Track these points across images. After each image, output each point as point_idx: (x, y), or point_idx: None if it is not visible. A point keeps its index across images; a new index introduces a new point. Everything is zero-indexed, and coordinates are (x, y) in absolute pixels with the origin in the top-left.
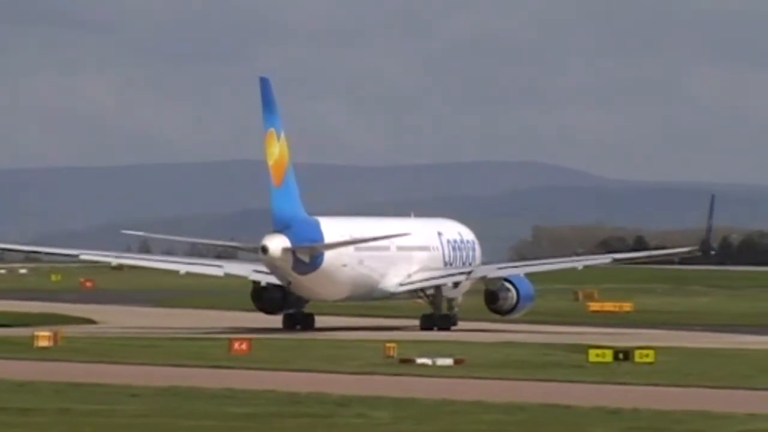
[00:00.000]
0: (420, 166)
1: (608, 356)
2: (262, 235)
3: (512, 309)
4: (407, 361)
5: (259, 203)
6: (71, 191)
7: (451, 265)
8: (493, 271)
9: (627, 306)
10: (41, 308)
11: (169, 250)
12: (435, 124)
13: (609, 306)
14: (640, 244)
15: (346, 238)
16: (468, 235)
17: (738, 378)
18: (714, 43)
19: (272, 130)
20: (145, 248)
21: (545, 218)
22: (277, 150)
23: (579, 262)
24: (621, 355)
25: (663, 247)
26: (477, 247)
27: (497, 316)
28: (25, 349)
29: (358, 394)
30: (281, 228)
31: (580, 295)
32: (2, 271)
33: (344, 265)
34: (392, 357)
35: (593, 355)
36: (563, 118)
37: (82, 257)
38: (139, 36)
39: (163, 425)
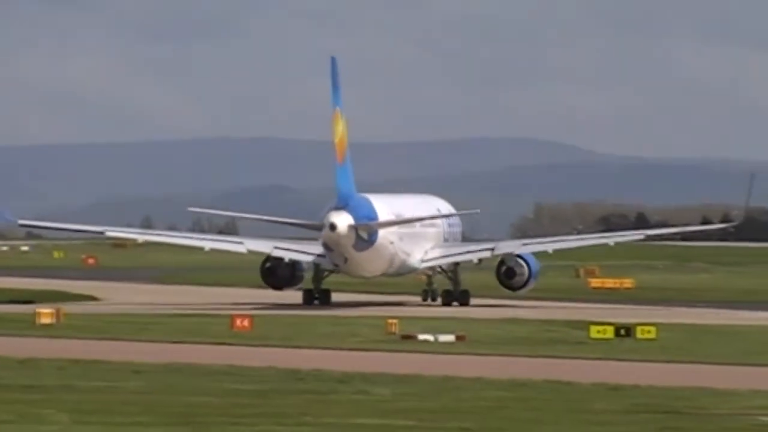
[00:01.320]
0: (418, 144)
1: (609, 333)
2: (266, 212)
3: (524, 285)
4: (409, 338)
5: (254, 181)
6: (64, 169)
7: (447, 241)
8: (518, 247)
9: (628, 282)
10: (43, 285)
11: (172, 227)
12: (433, 101)
13: (610, 283)
14: (641, 221)
15: (392, 215)
16: (452, 211)
17: (740, 354)
18: (709, 19)
19: (338, 108)
20: (147, 224)
21: (545, 195)
22: (341, 128)
23: (611, 239)
24: (622, 332)
25: (665, 224)
26: (459, 222)
27: (507, 292)
28: (27, 326)
29: (360, 371)
30: (343, 205)
31: (582, 272)
32: (4, 248)
33: (391, 243)
34: (394, 333)
35: (594, 332)
36: (562, 94)
37: (108, 233)
38: (131, 14)
39: (165, 402)
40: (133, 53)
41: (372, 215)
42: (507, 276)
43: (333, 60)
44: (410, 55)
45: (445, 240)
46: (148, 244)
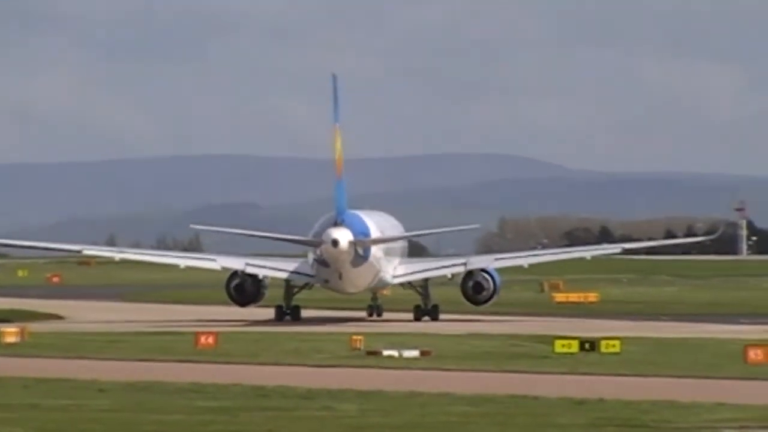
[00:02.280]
0: (383, 159)
1: (574, 347)
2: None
3: (489, 299)
4: (374, 354)
5: (221, 198)
6: (27, 188)
7: (404, 256)
8: (491, 262)
9: (593, 296)
10: (8, 304)
11: (137, 244)
12: (397, 117)
13: (574, 297)
14: (605, 235)
15: (378, 232)
16: (401, 227)
17: (704, 367)
18: (674, 35)
19: (337, 125)
20: (111, 242)
21: (510, 209)
22: (339, 144)
23: (588, 252)
24: (587, 346)
25: (629, 238)
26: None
27: (471, 307)
28: None
29: (325, 387)
30: (341, 221)
31: (546, 286)
32: None
33: (378, 258)
34: (359, 349)
35: (559, 346)
36: (525, 109)
37: (85, 252)
38: (96, 33)
39: (131, 420)
40: (96, 72)
41: (366, 231)
42: (475, 290)
43: (333, 77)
44: (376, 72)
45: (404, 255)
46: (111, 262)
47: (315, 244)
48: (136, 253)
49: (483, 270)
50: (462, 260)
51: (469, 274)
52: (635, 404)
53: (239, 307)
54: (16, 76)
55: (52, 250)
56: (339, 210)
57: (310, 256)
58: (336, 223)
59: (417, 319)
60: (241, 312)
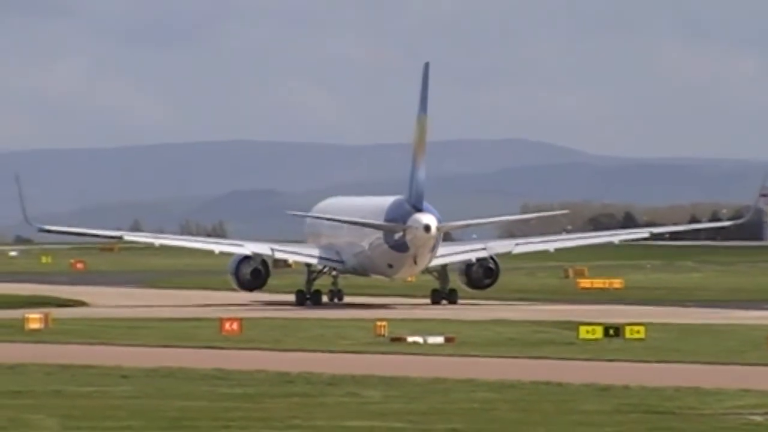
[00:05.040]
0: (403, 146)
1: (599, 333)
2: (252, 216)
3: (493, 283)
4: (398, 340)
5: (239, 185)
6: (51, 175)
7: None
8: (511, 247)
9: (617, 283)
10: (32, 290)
11: (160, 230)
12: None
13: (599, 283)
14: (629, 221)
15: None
16: None
17: (729, 354)
18: (697, 20)
19: (425, 113)
20: (135, 228)
21: (533, 196)
22: (424, 133)
23: (616, 237)
24: (612, 332)
25: (654, 224)
26: None
27: (476, 291)
28: (16, 332)
29: (349, 373)
30: (422, 207)
31: (571, 273)
32: None
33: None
34: (383, 336)
35: (584, 332)
36: (548, 96)
37: (126, 238)
38: (118, 20)
39: (154, 406)
40: (118, 59)
41: (440, 217)
42: (486, 275)
43: (426, 65)
44: (398, 57)
45: None
46: (135, 248)
47: (394, 229)
48: (174, 240)
49: (490, 255)
50: (481, 245)
51: (482, 259)
52: (660, 391)
53: (247, 292)
54: (38, 63)
55: (91, 236)
56: (418, 196)
57: (367, 240)
58: (417, 209)
59: (435, 302)
60: (262, 297)
